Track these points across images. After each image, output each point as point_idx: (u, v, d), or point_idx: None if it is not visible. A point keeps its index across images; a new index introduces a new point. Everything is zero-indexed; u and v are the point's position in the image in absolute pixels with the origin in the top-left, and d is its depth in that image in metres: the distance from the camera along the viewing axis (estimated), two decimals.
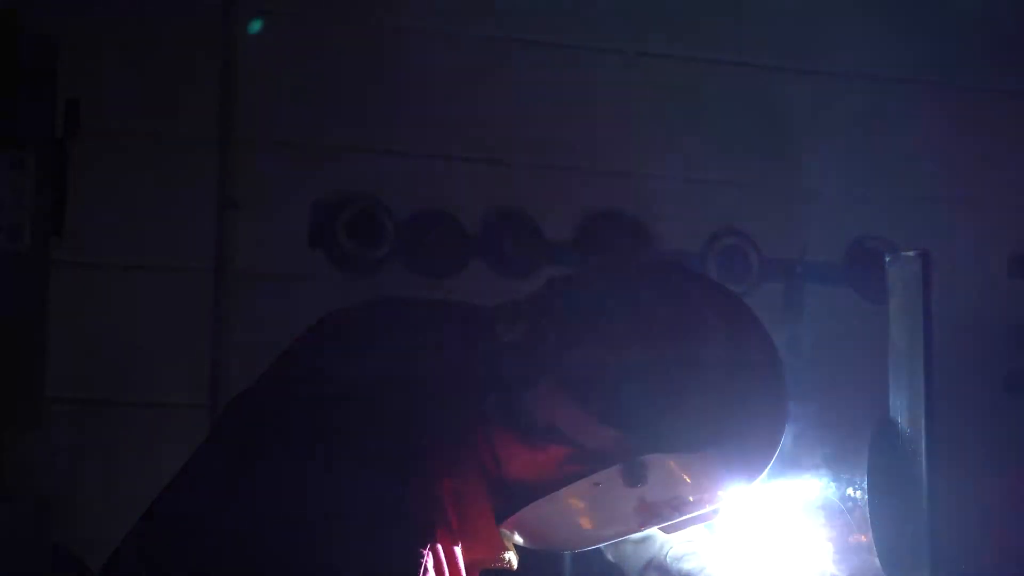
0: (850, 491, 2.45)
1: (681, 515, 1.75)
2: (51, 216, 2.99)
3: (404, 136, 3.35)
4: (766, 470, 1.77)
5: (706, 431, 1.68)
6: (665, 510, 1.72)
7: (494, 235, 3.42)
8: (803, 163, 3.57)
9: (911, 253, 2.79)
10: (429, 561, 1.61)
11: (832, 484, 2.42)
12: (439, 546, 1.62)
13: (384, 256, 3.32)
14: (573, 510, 1.73)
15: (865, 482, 2.45)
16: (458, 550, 1.68)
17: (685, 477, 1.69)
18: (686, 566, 1.97)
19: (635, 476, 1.67)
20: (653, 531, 1.99)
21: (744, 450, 1.72)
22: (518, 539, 1.82)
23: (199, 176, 3.18)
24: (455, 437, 1.70)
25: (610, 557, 2.08)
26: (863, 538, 2.45)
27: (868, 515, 2.44)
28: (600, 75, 3.50)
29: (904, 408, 2.73)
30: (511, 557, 1.80)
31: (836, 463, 2.45)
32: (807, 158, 3.57)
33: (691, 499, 1.72)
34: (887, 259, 2.84)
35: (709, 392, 1.68)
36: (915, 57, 3.72)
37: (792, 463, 2.31)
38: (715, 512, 1.80)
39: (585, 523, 1.75)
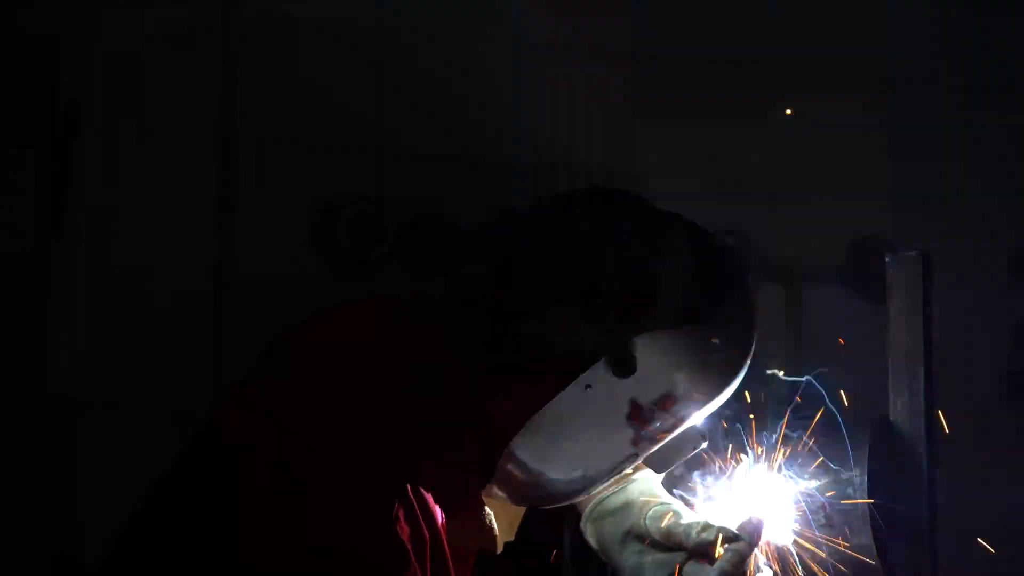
0: (850, 491, 2.45)
1: (673, 419, 1.77)
2: (51, 216, 2.99)
3: (404, 136, 3.35)
4: (747, 355, 1.80)
5: (682, 305, 1.74)
6: (657, 415, 1.75)
7: None
8: (803, 163, 3.57)
9: (911, 253, 2.80)
10: (402, 512, 1.64)
11: (832, 484, 2.42)
12: (412, 498, 1.65)
13: (384, 256, 3.32)
14: (565, 431, 1.75)
15: (865, 482, 2.46)
16: (439, 512, 1.71)
17: (671, 362, 1.72)
18: (663, 524, 1.97)
19: (623, 364, 1.71)
20: (637, 488, 2.01)
21: (721, 325, 1.76)
22: (502, 494, 1.83)
23: (199, 176, 3.18)
24: (440, 412, 1.73)
25: (591, 541, 2.08)
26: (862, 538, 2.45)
27: (868, 515, 2.44)
28: (600, 75, 3.50)
29: (904, 408, 2.73)
30: (491, 519, 1.82)
31: (836, 463, 2.45)
32: (807, 158, 3.57)
33: (681, 394, 1.75)
34: (887, 259, 2.85)
35: (680, 274, 1.75)
36: (915, 57, 3.72)
37: (792, 462, 2.31)
38: (705, 431, 1.85)
39: (579, 445, 1.77)
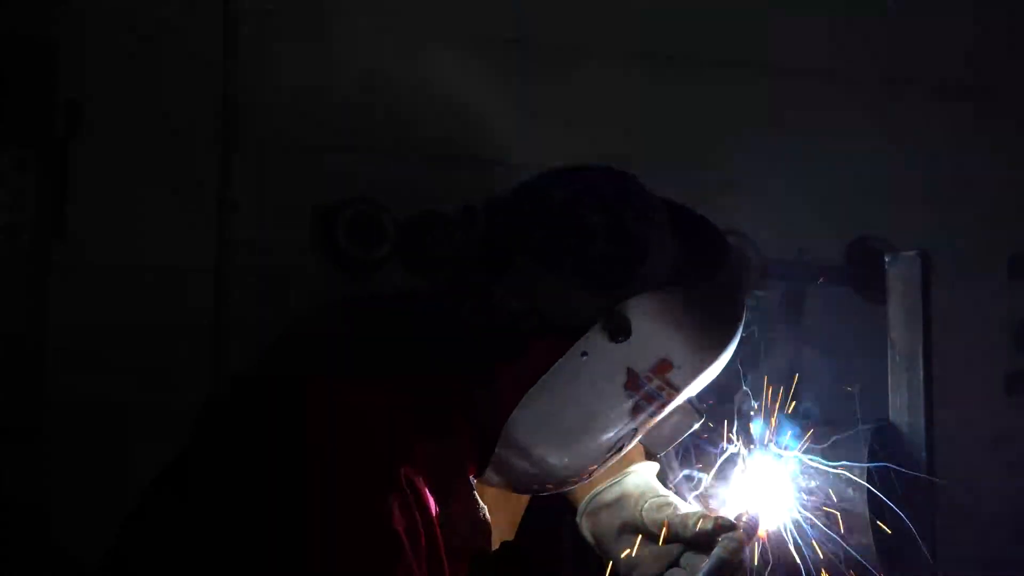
0: (850, 491, 2.46)
1: (671, 387, 1.78)
2: (51, 216, 2.99)
3: (404, 136, 3.35)
4: (740, 317, 1.82)
5: (672, 266, 1.77)
6: (655, 382, 1.76)
7: None
8: (803, 163, 3.57)
9: (911, 253, 2.81)
10: (397, 503, 1.64)
11: (832, 483, 2.42)
12: (408, 490, 1.66)
13: (384, 257, 3.32)
14: (564, 405, 1.76)
15: (865, 481, 2.46)
16: (433, 504, 1.71)
17: (666, 325, 1.73)
18: (660, 515, 1.97)
19: (618, 327, 1.72)
20: (633, 482, 2.01)
21: (713, 287, 1.79)
22: (502, 481, 1.83)
23: (199, 176, 3.18)
24: (440, 404, 1.74)
25: (587, 536, 2.08)
26: (863, 539, 2.45)
27: (868, 514, 2.44)
28: (600, 75, 3.50)
29: (904, 408, 2.74)
30: (485, 513, 1.83)
31: (836, 462, 2.45)
32: (807, 158, 3.57)
33: (677, 359, 1.76)
34: (887, 259, 2.85)
35: (666, 238, 1.79)
36: (915, 57, 3.72)
37: (791, 462, 2.31)
38: (702, 409, 1.86)
39: (577, 420, 1.78)
